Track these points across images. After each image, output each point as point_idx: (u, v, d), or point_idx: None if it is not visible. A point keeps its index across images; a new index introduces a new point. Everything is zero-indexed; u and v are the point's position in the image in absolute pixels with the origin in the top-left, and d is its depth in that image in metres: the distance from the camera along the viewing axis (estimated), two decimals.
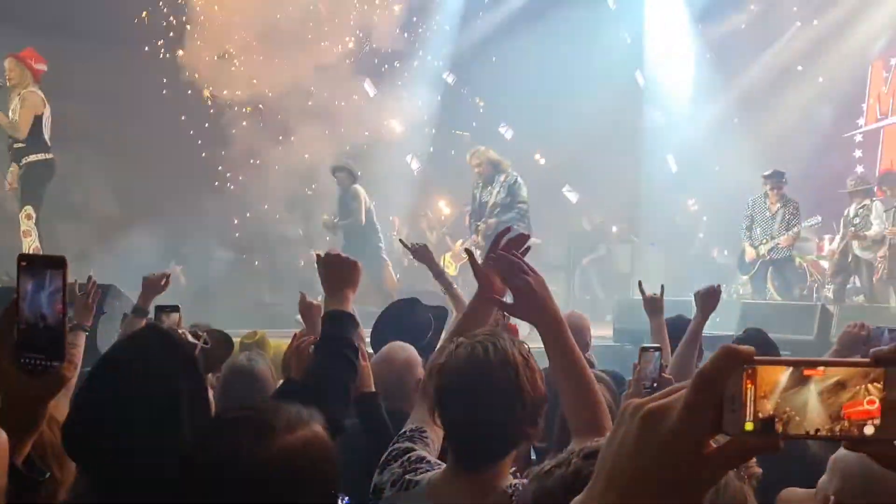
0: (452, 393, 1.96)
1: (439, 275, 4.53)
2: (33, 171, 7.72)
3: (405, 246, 4.73)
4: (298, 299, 3.61)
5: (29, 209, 7.59)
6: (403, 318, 3.80)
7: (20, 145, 7.72)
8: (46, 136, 7.80)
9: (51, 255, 1.38)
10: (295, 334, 2.77)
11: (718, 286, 3.71)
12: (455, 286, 4.62)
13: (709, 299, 3.62)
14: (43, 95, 7.83)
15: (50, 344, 1.33)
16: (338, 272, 2.41)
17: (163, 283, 3.90)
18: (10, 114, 7.65)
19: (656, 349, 2.95)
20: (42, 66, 7.86)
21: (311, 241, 12.63)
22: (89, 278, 3.56)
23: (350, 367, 2.34)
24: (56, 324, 1.32)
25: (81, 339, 3.14)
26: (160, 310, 3.27)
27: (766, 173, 10.05)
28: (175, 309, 3.14)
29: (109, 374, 1.74)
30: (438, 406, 2.01)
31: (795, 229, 9.77)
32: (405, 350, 3.21)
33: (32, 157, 7.72)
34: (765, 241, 9.81)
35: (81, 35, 10.62)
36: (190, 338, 2.45)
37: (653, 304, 3.82)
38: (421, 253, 4.55)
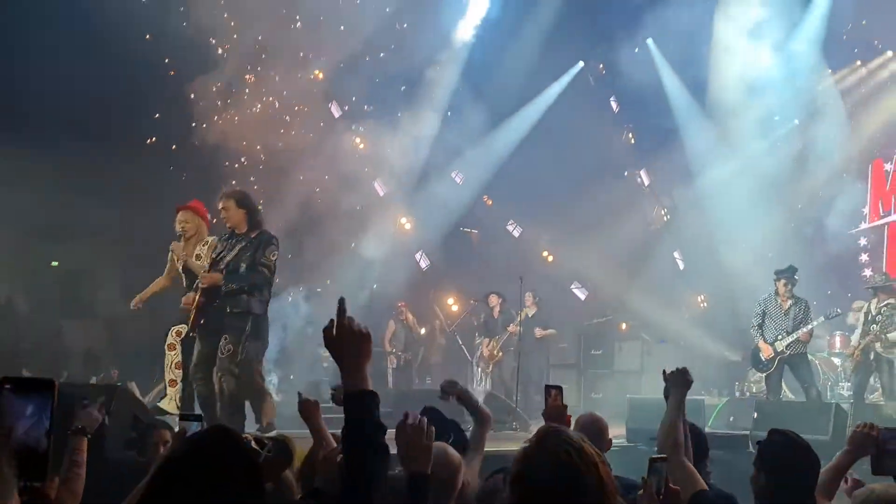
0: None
1: (475, 410, 4.40)
2: None
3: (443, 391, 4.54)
4: (298, 401, 3.54)
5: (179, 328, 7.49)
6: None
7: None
8: None
9: (39, 378, 1.41)
10: (314, 450, 2.67)
11: (685, 368, 3.58)
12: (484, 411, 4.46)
13: (676, 380, 3.54)
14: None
15: (34, 466, 1.34)
16: (350, 346, 2.21)
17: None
18: (198, 262, 7.52)
19: (662, 460, 2.90)
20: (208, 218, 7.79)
21: (318, 340, 12.59)
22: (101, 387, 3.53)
23: (384, 452, 2.17)
24: (42, 447, 1.35)
25: (83, 443, 3.06)
26: (183, 418, 3.21)
27: (780, 269, 9.95)
28: (198, 418, 3.06)
29: (174, 478, 1.71)
30: None
31: (812, 324, 9.66)
32: (454, 452, 3.20)
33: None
34: (780, 337, 9.65)
35: (94, 136, 10.88)
36: (254, 444, 2.35)
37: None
38: (456, 392, 4.43)
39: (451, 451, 3.27)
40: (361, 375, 2.19)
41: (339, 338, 2.21)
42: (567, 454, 1.92)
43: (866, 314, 10.05)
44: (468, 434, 4.17)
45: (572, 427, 4.26)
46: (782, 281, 9.76)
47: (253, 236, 7.11)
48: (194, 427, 2.89)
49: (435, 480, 3.14)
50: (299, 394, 3.51)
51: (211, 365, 6.90)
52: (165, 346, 7.48)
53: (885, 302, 9.74)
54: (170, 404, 7.24)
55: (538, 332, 12.48)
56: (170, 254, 7.70)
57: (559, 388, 3.70)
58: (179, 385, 7.45)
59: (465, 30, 14.46)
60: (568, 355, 14.53)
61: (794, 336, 9.51)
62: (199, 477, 1.70)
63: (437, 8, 13.66)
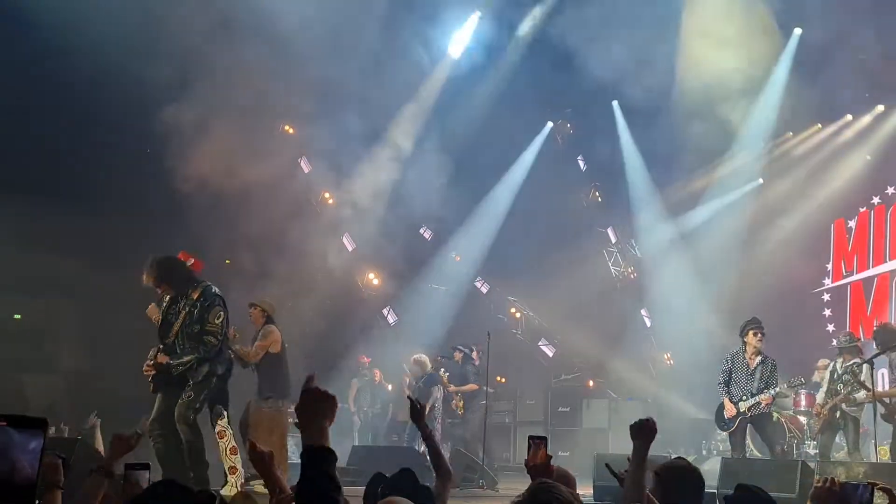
0: None
1: (428, 437, 4.41)
2: None
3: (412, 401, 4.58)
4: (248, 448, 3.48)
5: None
6: (403, 487, 3.69)
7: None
8: None
9: (33, 417, 1.49)
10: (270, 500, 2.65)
11: (651, 419, 3.59)
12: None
13: (640, 431, 3.53)
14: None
15: (22, 499, 1.42)
16: (315, 405, 2.22)
17: (133, 441, 3.79)
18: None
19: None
20: (191, 262, 7.41)
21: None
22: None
23: None
24: (30, 480, 1.43)
25: (58, 497, 3.01)
26: (130, 467, 3.17)
27: (747, 320, 9.78)
28: (145, 467, 3.04)
29: None
30: None
31: (775, 389, 9.63)
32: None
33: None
34: (744, 397, 9.60)
35: (59, 190, 10.80)
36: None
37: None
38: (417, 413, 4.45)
39: None
40: (321, 432, 2.19)
41: (308, 397, 2.23)
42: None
43: (832, 373, 10.12)
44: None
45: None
46: (751, 331, 9.57)
47: (195, 297, 6.98)
48: (139, 475, 2.86)
49: None
50: (251, 441, 3.46)
51: (169, 420, 6.80)
52: (216, 435, 7.28)
53: (851, 362, 9.82)
54: (231, 490, 6.98)
55: (451, 388, 11.96)
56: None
57: (543, 439, 3.71)
58: (240, 471, 7.32)
59: (434, 84, 14.67)
60: (535, 412, 14.49)
61: (756, 399, 9.50)
62: None
63: (402, 65, 13.88)
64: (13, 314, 11.15)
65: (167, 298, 7.11)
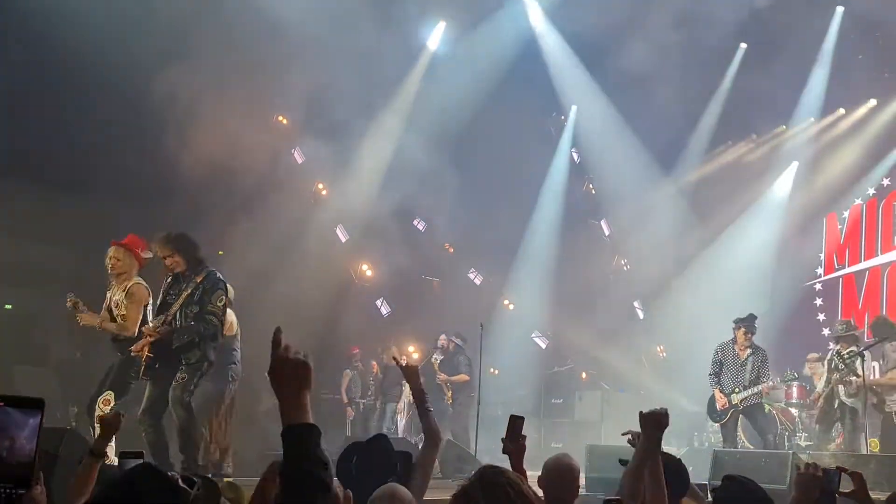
0: None
1: (420, 394, 4.43)
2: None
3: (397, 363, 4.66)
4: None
5: (109, 395, 7.14)
6: (374, 454, 3.68)
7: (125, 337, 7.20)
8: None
9: (30, 397, 1.56)
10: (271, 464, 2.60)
11: (663, 409, 3.42)
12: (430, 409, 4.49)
13: (652, 421, 3.37)
14: (146, 284, 7.33)
15: (20, 475, 1.48)
16: (289, 374, 2.06)
17: (117, 420, 3.79)
18: (115, 308, 7.32)
19: (617, 502, 2.88)
20: (148, 254, 7.34)
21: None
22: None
23: (323, 488, 2.03)
24: (28, 458, 1.51)
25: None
26: (124, 455, 3.16)
27: (740, 317, 9.89)
28: (139, 456, 3.03)
29: None
30: None
31: (770, 381, 9.68)
32: (404, 492, 3.18)
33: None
34: (737, 389, 9.62)
35: (48, 178, 10.74)
36: (181, 483, 2.29)
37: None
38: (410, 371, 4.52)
39: (401, 490, 3.23)
40: (300, 407, 2.04)
41: (275, 368, 2.07)
42: (505, 492, 1.97)
43: (829, 362, 10.12)
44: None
45: (540, 471, 4.29)
46: (742, 330, 9.69)
47: (199, 280, 6.99)
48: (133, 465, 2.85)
49: None
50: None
51: (161, 408, 6.78)
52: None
53: (848, 350, 9.83)
54: None
55: (442, 377, 12.09)
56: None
57: (522, 419, 3.76)
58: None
59: (426, 74, 14.63)
60: (527, 404, 14.50)
61: (752, 391, 9.51)
62: None
63: (394, 53, 13.85)
64: (4, 304, 11.11)
65: (167, 279, 7.11)
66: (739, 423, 10.37)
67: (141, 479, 1.78)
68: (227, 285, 7.14)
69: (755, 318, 9.88)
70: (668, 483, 3.38)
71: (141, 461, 2.94)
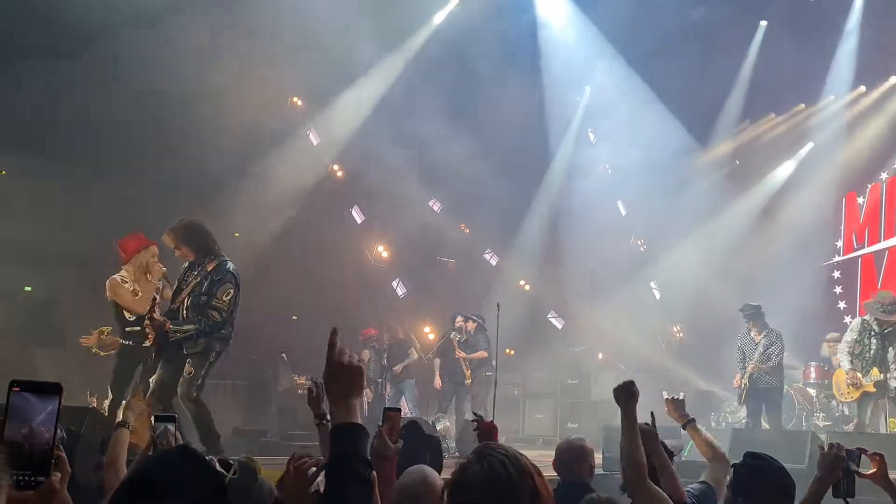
0: None
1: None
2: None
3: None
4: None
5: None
6: (405, 442, 3.71)
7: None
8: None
9: (47, 382, 1.55)
10: (293, 455, 2.62)
11: (631, 381, 3.66)
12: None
13: (622, 394, 3.57)
14: (118, 276, 7.78)
15: (38, 462, 1.46)
16: (343, 379, 2.17)
17: (144, 401, 3.84)
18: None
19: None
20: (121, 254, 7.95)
21: (294, 365, 12.53)
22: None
23: (367, 487, 2.11)
24: (46, 444, 1.48)
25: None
26: (157, 419, 3.19)
27: (740, 307, 10.48)
28: (172, 419, 3.07)
29: (143, 497, 1.68)
30: None
31: (773, 360, 9.90)
32: (435, 477, 3.22)
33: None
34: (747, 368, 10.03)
35: (71, 160, 10.80)
36: (219, 466, 2.30)
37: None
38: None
39: (431, 475, 3.25)
40: (350, 407, 2.13)
41: (332, 374, 2.17)
42: (502, 465, 2.01)
43: (861, 336, 9.82)
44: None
45: (554, 454, 4.42)
46: (744, 318, 10.36)
47: (209, 269, 6.95)
48: (167, 427, 2.88)
49: None
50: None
51: (170, 393, 6.79)
52: None
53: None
54: None
55: (461, 354, 12.07)
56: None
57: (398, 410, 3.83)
58: None
59: (448, 58, 14.53)
60: (544, 384, 14.51)
61: (747, 370, 10.01)
62: (166, 499, 1.66)
63: (414, 39, 13.81)
64: (24, 286, 11.20)
65: (185, 265, 7.13)
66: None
67: (177, 461, 1.78)
68: (237, 277, 7.07)
69: (754, 306, 10.28)
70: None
71: (174, 424, 2.98)
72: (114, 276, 7.67)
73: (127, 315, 7.57)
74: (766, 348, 9.97)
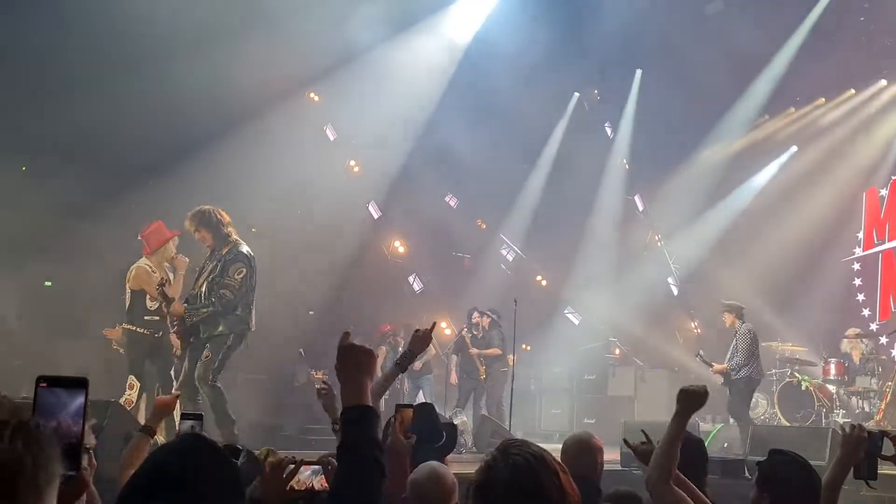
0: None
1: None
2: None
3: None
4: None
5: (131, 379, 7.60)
6: (421, 424, 3.73)
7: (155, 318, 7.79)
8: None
9: (73, 377, 1.53)
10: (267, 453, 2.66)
11: (702, 387, 3.28)
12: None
13: (690, 399, 3.23)
14: (145, 265, 7.99)
15: (68, 456, 1.43)
16: (352, 361, 2.17)
17: (173, 401, 3.86)
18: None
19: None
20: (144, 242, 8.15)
21: (311, 360, 12.56)
22: None
23: (379, 470, 2.09)
24: (75, 439, 1.48)
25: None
26: (185, 417, 3.21)
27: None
28: (199, 417, 3.09)
29: (158, 484, 1.70)
30: None
31: (733, 359, 10.11)
32: (446, 473, 3.23)
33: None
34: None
35: (90, 157, 10.87)
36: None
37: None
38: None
39: (442, 471, 3.25)
40: (361, 390, 2.11)
41: (340, 353, 2.18)
42: (527, 463, 2.00)
43: None
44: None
45: (560, 448, 4.29)
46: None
47: (224, 252, 7.21)
48: (193, 424, 2.90)
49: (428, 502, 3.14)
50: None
51: (195, 384, 6.93)
52: None
53: None
54: None
55: (474, 351, 12.00)
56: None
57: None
58: None
59: (459, 53, 14.53)
60: (561, 380, 14.49)
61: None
62: (183, 487, 1.67)
63: (425, 31, 13.79)
64: (44, 281, 11.28)
65: (208, 253, 7.41)
66: (776, 397, 10.61)
67: (191, 448, 1.80)
68: (251, 259, 7.23)
69: (724, 303, 10.60)
70: (693, 463, 3.42)
71: (201, 423, 3.01)
72: (140, 265, 7.74)
73: (149, 304, 7.67)
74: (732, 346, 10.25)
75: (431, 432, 3.77)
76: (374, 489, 2.07)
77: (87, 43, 10.18)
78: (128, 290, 7.80)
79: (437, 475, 3.23)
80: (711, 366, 10.22)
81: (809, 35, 14.35)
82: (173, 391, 6.97)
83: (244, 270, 7.12)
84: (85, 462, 1.66)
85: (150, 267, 7.81)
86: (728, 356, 10.19)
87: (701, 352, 10.52)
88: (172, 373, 7.61)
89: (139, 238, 8.14)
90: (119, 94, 10.49)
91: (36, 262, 10.64)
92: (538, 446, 2.11)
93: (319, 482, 3.01)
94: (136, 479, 1.77)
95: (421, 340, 4.39)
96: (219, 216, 7.37)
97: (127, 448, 3.53)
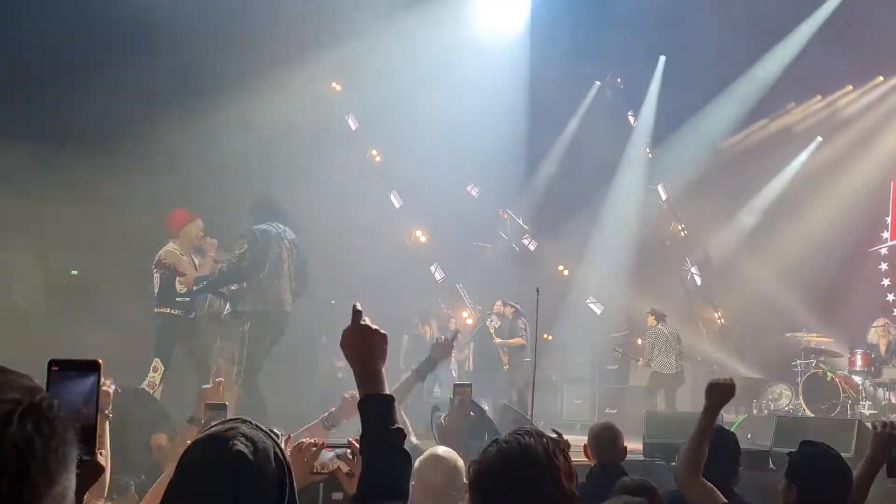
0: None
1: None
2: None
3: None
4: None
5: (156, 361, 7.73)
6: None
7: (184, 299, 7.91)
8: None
9: (85, 359, 1.52)
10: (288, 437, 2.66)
11: (730, 380, 3.27)
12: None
13: (722, 392, 3.22)
14: (173, 248, 8.17)
15: (83, 440, 1.45)
16: (364, 345, 2.08)
17: (220, 390, 3.84)
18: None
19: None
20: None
21: (333, 350, 12.59)
22: None
23: (405, 457, 2.04)
24: (89, 422, 1.46)
25: (105, 426, 3.13)
26: (211, 407, 3.22)
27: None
28: (223, 407, 3.11)
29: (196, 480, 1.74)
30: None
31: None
32: (453, 454, 3.27)
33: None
34: None
35: (114, 148, 10.94)
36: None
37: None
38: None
39: (445, 452, 3.30)
40: (377, 377, 2.05)
41: (353, 337, 2.10)
42: (518, 443, 2.06)
43: None
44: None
45: (587, 436, 4.46)
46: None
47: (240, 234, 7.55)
48: (222, 413, 2.92)
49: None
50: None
51: (255, 364, 7.04)
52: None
53: None
54: None
55: (497, 340, 12.06)
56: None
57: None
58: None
59: (482, 42, 14.46)
60: (583, 370, 14.45)
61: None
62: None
63: (446, 21, 13.74)
64: (70, 269, 11.38)
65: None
66: (801, 388, 10.98)
67: (234, 427, 1.81)
68: (256, 235, 7.25)
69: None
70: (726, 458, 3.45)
71: (225, 409, 3.03)
72: (168, 249, 7.79)
73: (178, 286, 7.72)
74: None
75: (477, 425, 3.85)
76: (401, 479, 2.04)
77: (112, 28, 10.25)
78: (156, 276, 7.84)
79: (441, 457, 3.24)
80: (637, 360, 11.13)
81: (832, 23, 14.14)
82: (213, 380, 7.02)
83: (245, 245, 7.11)
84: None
85: (178, 250, 7.88)
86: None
87: (618, 348, 12.60)
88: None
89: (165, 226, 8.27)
90: (146, 84, 10.55)
91: (62, 250, 10.75)
92: (548, 436, 2.13)
93: (342, 464, 3.01)
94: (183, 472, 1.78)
95: (442, 349, 4.46)
96: (259, 201, 7.84)
97: (177, 438, 3.58)
